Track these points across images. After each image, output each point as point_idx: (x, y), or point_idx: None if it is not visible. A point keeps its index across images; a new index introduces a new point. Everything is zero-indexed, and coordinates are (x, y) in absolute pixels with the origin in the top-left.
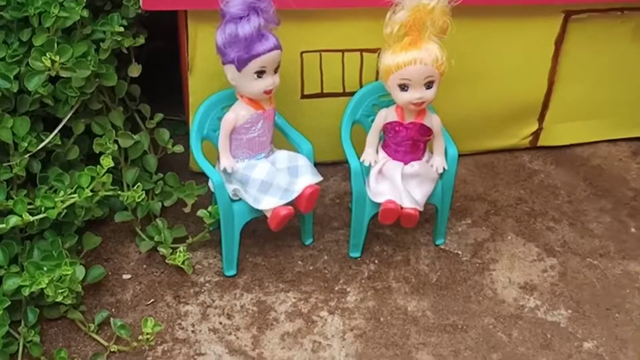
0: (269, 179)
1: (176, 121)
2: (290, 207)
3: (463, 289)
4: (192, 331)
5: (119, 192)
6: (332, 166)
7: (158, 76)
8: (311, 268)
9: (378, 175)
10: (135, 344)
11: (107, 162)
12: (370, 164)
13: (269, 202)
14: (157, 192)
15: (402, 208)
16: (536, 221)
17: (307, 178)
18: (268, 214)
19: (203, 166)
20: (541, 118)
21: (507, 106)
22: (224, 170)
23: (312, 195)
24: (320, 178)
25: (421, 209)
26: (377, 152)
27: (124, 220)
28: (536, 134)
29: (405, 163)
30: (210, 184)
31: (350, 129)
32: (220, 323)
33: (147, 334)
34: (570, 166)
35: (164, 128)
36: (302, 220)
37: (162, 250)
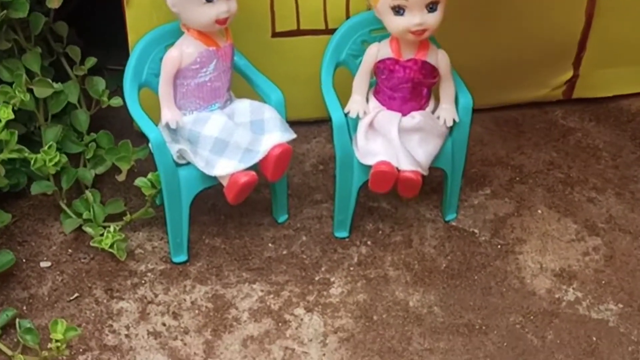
0: (225, 137)
1: (120, 71)
2: (252, 173)
3: (481, 277)
4: (127, 335)
5: (27, 154)
6: (314, 125)
7: (103, 16)
8: (285, 252)
9: (368, 129)
10: (46, 353)
11: (5, 113)
12: (358, 116)
13: (225, 167)
14: (88, 156)
15: (399, 171)
16: (573, 191)
17: (275, 135)
18: (224, 182)
19: (138, 120)
20: (577, 63)
21: (534, 47)
22: (167, 126)
23: (282, 157)
24: (292, 135)
25: (425, 173)
26: (367, 100)
27: (44, 192)
28: (571, 83)
29: (404, 114)
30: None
31: (333, 72)
32: (164, 324)
33: (57, 340)
34: (615, 122)
35: (99, 77)
36: (273, 191)
37: (87, 229)
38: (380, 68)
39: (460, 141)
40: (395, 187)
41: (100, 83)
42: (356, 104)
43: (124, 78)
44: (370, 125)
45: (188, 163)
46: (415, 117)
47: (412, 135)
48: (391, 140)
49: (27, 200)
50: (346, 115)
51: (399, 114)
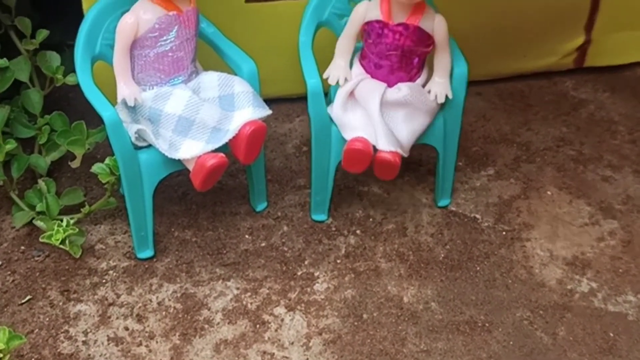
0: (190, 114)
1: None
2: (221, 155)
3: (484, 268)
4: (84, 342)
5: None
6: (297, 102)
7: None
8: (263, 244)
9: (348, 99)
10: None
11: None
12: (338, 83)
13: (190, 149)
14: (42, 141)
15: (375, 150)
16: (586, 169)
17: (246, 111)
18: (190, 166)
19: (90, 96)
20: (589, 26)
21: (541, 9)
22: (125, 104)
23: (255, 136)
24: (267, 111)
25: (405, 154)
26: (350, 66)
27: None
28: (582, 50)
29: (390, 85)
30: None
31: (314, 33)
32: (127, 329)
33: (0, 350)
34: (631, 93)
35: (53, 52)
36: (250, 176)
37: (39, 223)
38: (367, 31)
39: (454, 116)
40: (370, 167)
41: (54, 58)
42: (337, 69)
43: (75, 49)
44: (351, 94)
45: (149, 145)
46: (402, 90)
47: (397, 111)
48: (371, 114)
49: None
50: (324, 80)
51: (384, 85)
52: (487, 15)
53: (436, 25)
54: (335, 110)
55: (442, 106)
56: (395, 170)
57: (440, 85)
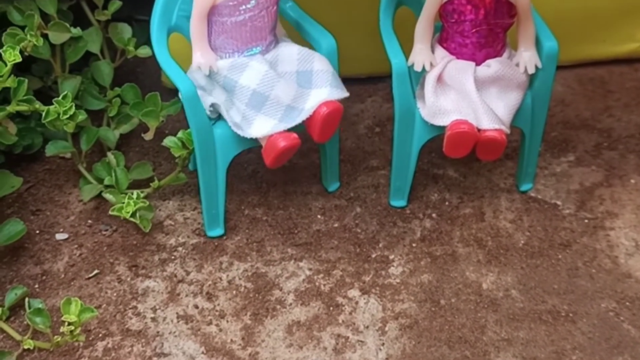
0: (264, 89)
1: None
2: (294, 136)
3: (566, 257)
4: (153, 319)
5: (38, 105)
6: (369, 82)
7: None
8: (336, 225)
9: (437, 84)
10: (58, 338)
11: (12, 55)
12: (423, 69)
13: (262, 126)
14: (111, 114)
15: (479, 131)
16: None
17: (324, 91)
18: (262, 142)
19: (167, 68)
20: None
21: None
22: (199, 73)
23: (330, 117)
24: (344, 93)
25: (508, 131)
26: (432, 50)
27: (61, 154)
28: None
29: (478, 63)
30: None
31: (394, 11)
32: (196, 307)
33: (70, 324)
34: None
35: (126, 24)
36: (323, 155)
37: (108, 196)
38: (449, 10)
39: (543, 95)
40: (473, 149)
41: (126, 30)
42: (420, 54)
43: (151, 20)
44: (439, 78)
45: (222, 118)
46: (492, 66)
47: (490, 88)
48: (467, 95)
49: (42, 164)
50: (409, 68)
51: (473, 63)
52: (564, 2)
53: None
54: (428, 97)
55: (530, 84)
56: (501, 148)
57: (528, 56)
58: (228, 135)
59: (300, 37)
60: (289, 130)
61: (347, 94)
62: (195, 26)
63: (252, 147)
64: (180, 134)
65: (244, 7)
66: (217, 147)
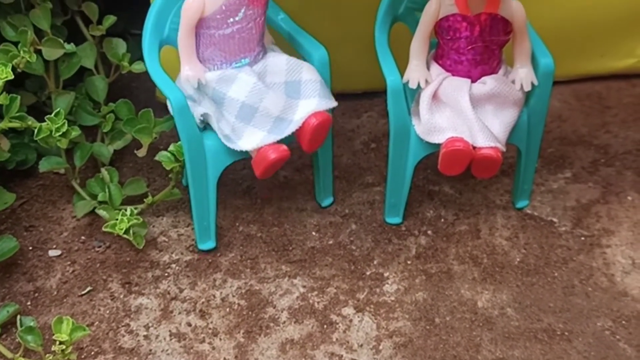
0: (253, 101)
1: None
2: (283, 148)
3: (562, 275)
4: (146, 337)
5: (30, 122)
6: (365, 98)
7: None
8: (331, 242)
9: (432, 101)
10: (50, 357)
11: (4, 73)
12: (419, 86)
13: (251, 139)
14: (105, 129)
15: (474, 148)
16: None
17: (312, 102)
18: (252, 153)
19: (157, 80)
20: None
21: (620, 7)
22: (187, 82)
23: (320, 127)
24: (332, 103)
25: (503, 149)
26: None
27: (54, 170)
28: None
29: (473, 80)
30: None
31: (389, 28)
32: (189, 324)
33: (61, 342)
34: None
35: (120, 39)
36: (316, 171)
37: (101, 212)
38: (444, 27)
39: (539, 112)
40: (468, 167)
41: (120, 45)
42: (416, 71)
43: (143, 33)
44: (434, 95)
45: (211, 128)
46: (488, 83)
47: (485, 105)
48: (462, 112)
49: (36, 180)
50: (404, 85)
51: (468, 80)
52: (563, 13)
53: (515, 11)
54: (423, 114)
55: (526, 101)
56: (497, 166)
57: (524, 73)
58: (218, 147)
59: (290, 46)
60: (279, 141)
61: (335, 104)
62: (183, 39)
63: (245, 161)
64: (171, 147)
65: (231, 19)
66: (207, 159)
